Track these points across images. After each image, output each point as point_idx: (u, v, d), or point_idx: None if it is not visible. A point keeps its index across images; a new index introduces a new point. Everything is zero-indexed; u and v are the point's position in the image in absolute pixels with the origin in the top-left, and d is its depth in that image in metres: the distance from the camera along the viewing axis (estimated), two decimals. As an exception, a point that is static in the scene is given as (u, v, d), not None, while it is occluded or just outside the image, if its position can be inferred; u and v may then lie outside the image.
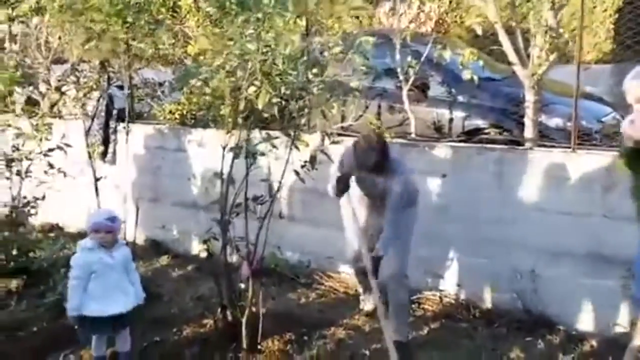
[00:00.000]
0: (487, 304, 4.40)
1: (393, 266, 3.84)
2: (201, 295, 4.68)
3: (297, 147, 3.86)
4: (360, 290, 4.49)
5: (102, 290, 3.34)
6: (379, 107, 5.68)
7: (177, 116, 6.10)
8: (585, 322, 4.05)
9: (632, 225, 3.60)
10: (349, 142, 4.23)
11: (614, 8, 10.27)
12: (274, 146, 3.69)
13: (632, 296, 3.48)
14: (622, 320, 3.91)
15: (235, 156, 3.64)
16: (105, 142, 6.14)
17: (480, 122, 5.28)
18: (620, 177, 3.82)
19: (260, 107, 3.44)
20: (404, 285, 3.91)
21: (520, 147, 4.41)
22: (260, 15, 3.38)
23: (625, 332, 3.87)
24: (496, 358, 3.72)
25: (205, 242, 3.89)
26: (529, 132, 4.47)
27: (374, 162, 3.65)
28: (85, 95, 5.81)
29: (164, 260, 5.67)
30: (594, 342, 3.91)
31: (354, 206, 4.05)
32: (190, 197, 5.83)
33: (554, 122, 5.00)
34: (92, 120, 6.06)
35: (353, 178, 4.03)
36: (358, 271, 4.30)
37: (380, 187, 3.79)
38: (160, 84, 7.06)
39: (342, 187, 4.01)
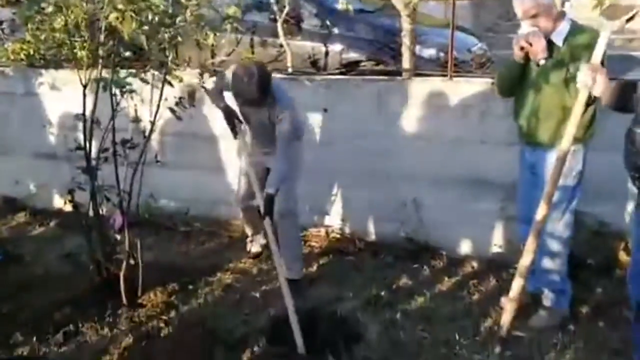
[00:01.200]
0: (373, 236, 4.42)
1: (282, 204, 3.69)
2: (69, 252, 4.24)
3: (170, 83, 3.51)
4: (248, 231, 4.31)
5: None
6: (252, 40, 5.39)
7: (23, 56, 5.38)
8: (466, 245, 4.20)
9: (507, 150, 3.73)
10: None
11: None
12: (144, 80, 3.32)
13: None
14: (499, 241, 4.09)
15: (100, 91, 3.20)
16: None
17: (357, 55, 5.20)
18: (494, 104, 3.92)
19: (125, 36, 3.03)
20: (294, 222, 3.80)
21: (399, 78, 4.38)
22: None
23: (502, 252, 4.08)
24: (385, 287, 3.74)
25: (69, 192, 3.46)
26: (406, 62, 4.44)
27: (255, 95, 3.35)
28: None
29: (22, 217, 5.10)
30: (474, 264, 4.06)
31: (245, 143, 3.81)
32: (46, 147, 5.23)
33: (428, 53, 5.05)
34: None
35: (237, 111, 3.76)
36: (246, 211, 4.10)
37: (265, 122, 3.56)
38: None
39: (228, 119, 3.75)
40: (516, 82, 3.15)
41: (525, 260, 2.77)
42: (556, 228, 3.17)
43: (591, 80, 2.65)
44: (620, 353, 3.00)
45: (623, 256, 3.79)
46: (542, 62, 2.98)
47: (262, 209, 3.48)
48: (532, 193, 3.23)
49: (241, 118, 3.77)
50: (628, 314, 3.30)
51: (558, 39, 2.98)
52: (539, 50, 2.94)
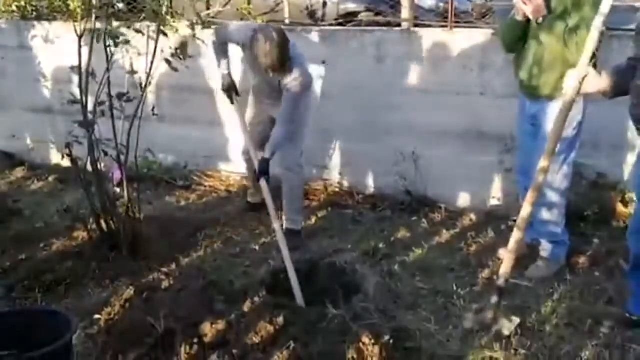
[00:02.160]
0: (371, 189, 4.43)
1: (288, 157, 3.71)
2: (68, 206, 4.23)
3: (164, 34, 3.44)
4: (249, 182, 4.30)
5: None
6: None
7: (14, 8, 5.28)
8: (465, 198, 4.21)
9: (506, 102, 3.70)
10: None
11: None
12: (138, 31, 3.25)
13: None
14: (497, 193, 4.10)
15: (95, 42, 3.13)
16: None
17: (355, 6, 5.09)
18: (494, 56, 3.87)
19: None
20: (300, 175, 3.80)
21: (398, 28, 4.30)
22: None
23: (500, 204, 4.09)
24: (383, 239, 3.77)
25: (67, 146, 3.43)
26: (406, 12, 4.35)
27: (277, 64, 3.27)
28: None
29: (20, 172, 5.09)
30: (472, 216, 4.08)
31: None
32: (42, 101, 5.19)
33: (428, 2, 4.95)
34: None
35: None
36: (249, 162, 4.10)
37: (276, 83, 3.51)
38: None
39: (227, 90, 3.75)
40: (518, 39, 3.12)
41: (525, 212, 2.77)
42: (554, 179, 3.17)
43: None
44: (616, 302, 3.03)
45: (620, 207, 3.81)
46: (540, 20, 2.96)
47: (257, 170, 3.50)
48: (531, 145, 3.22)
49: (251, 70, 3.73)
50: (623, 264, 3.36)
51: None
52: (535, 10, 2.92)
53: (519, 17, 3.04)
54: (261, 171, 3.51)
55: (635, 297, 2.85)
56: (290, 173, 3.75)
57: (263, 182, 3.50)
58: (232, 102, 3.84)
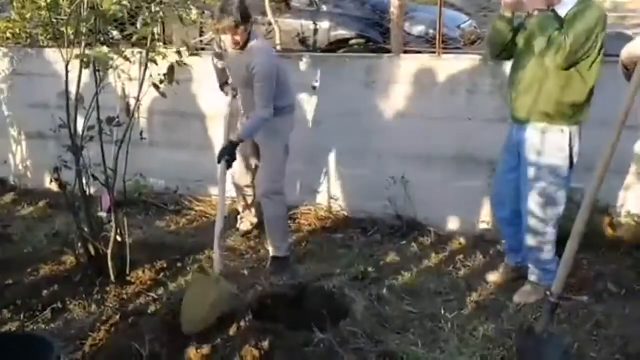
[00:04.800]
0: (361, 213, 4.43)
1: (267, 184, 3.70)
2: (57, 231, 4.24)
3: (154, 61, 3.48)
4: (240, 208, 4.31)
5: None
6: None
7: (9, 35, 5.34)
8: (454, 222, 4.22)
9: (494, 127, 3.74)
10: (209, 56, 3.92)
11: None
12: (127, 59, 3.29)
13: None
14: (486, 217, 4.11)
15: (84, 67, 3.16)
16: None
17: (345, 33, 5.17)
18: (482, 81, 3.92)
19: (104, 9, 2.99)
20: (280, 202, 3.75)
21: (388, 55, 4.36)
22: None
23: (489, 228, 4.09)
24: (372, 264, 3.76)
25: (55, 170, 3.44)
26: (395, 39, 4.41)
27: (234, 18, 3.35)
28: None
29: (10, 197, 5.08)
30: (462, 240, 4.08)
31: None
32: (34, 127, 5.21)
33: (417, 30, 5.03)
34: None
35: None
36: (239, 188, 4.16)
37: (244, 71, 3.53)
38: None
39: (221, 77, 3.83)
40: (502, 41, 3.13)
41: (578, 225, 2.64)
42: (543, 207, 3.14)
43: None
44: (603, 325, 3.02)
45: (609, 231, 3.81)
46: (507, 14, 2.99)
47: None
48: (509, 175, 3.24)
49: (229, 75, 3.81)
50: (612, 287, 3.36)
51: (562, 11, 2.93)
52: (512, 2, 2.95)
53: (506, 13, 3.03)
54: (222, 153, 3.49)
55: None
56: (269, 201, 3.71)
57: (221, 166, 3.49)
58: (222, 88, 3.88)
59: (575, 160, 3.10)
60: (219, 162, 3.51)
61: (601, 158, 2.56)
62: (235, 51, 3.56)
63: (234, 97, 3.84)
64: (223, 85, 3.93)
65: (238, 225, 4.32)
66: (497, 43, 3.18)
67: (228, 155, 3.49)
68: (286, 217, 3.92)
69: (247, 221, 4.29)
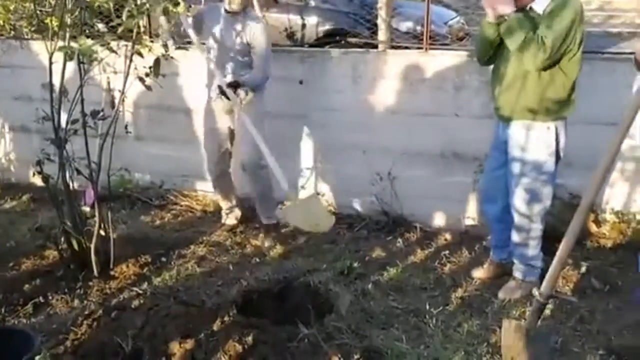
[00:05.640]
0: (348, 209, 4.42)
1: (250, 157, 3.82)
2: (40, 225, 4.18)
3: (139, 54, 3.44)
4: (223, 204, 4.31)
5: None
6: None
7: (-8, 27, 5.26)
8: (440, 218, 4.23)
9: (481, 123, 3.75)
10: (196, 50, 3.89)
11: None
12: (113, 51, 3.25)
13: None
14: (472, 213, 4.12)
15: (68, 59, 3.11)
16: None
17: (333, 28, 5.15)
18: (469, 77, 3.92)
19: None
20: (265, 173, 3.85)
21: (375, 50, 4.35)
22: None
23: (475, 224, 4.11)
24: (358, 259, 3.75)
25: (37, 163, 3.40)
26: (382, 34, 4.40)
27: None
28: None
29: (-7, 191, 5.03)
30: (447, 236, 4.09)
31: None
32: (18, 120, 5.15)
33: (405, 25, 5.02)
34: None
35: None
36: (218, 181, 4.17)
37: (242, 40, 3.72)
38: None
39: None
40: (489, 47, 3.12)
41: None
42: (529, 203, 3.15)
43: None
44: (587, 321, 3.04)
45: (593, 227, 3.84)
46: (489, 19, 2.99)
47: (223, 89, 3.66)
48: (498, 171, 3.24)
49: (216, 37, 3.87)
50: (595, 283, 3.38)
51: (538, 8, 2.93)
52: (491, 6, 2.94)
53: (489, 19, 3.03)
54: (230, 83, 3.68)
55: None
56: (256, 177, 3.88)
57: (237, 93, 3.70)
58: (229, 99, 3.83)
59: (561, 155, 3.11)
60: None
61: (603, 160, 2.49)
62: (229, 17, 3.76)
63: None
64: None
65: (223, 220, 4.30)
66: (484, 49, 3.17)
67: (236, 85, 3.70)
68: (272, 187, 3.98)
69: (232, 215, 4.28)
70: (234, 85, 3.69)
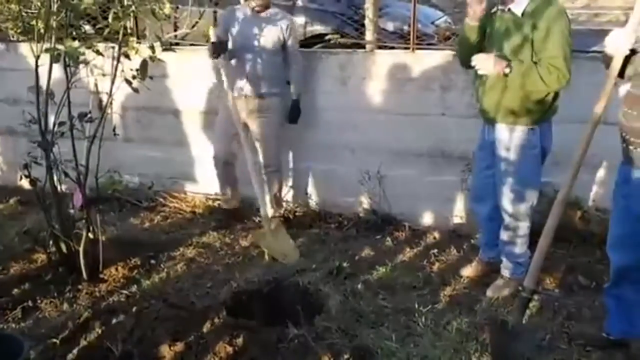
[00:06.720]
0: (337, 209, 4.44)
1: (272, 160, 4.16)
2: (28, 229, 4.15)
3: (127, 56, 3.43)
4: (222, 189, 4.34)
5: None
6: (215, 13, 5.30)
7: (-23, 29, 5.22)
8: (428, 217, 4.25)
9: (467, 122, 3.77)
10: (184, 52, 3.88)
11: None
12: (100, 53, 3.24)
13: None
14: (460, 212, 4.15)
15: (54, 62, 3.10)
16: None
17: (321, 28, 5.16)
18: (456, 76, 3.94)
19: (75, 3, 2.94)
20: (280, 174, 4.26)
21: (362, 50, 4.36)
22: None
23: (463, 223, 4.13)
24: (347, 258, 3.76)
25: (25, 166, 3.38)
26: (369, 34, 4.41)
27: None
28: None
29: (-20, 195, 4.99)
30: (436, 234, 4.11)
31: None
32: (4, 122, 5.12)
33: (391, 25, 5.03)
34: None
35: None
36: (224, 166, 4.20)
37: (276, 39, 3.87)
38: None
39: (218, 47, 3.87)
40: (472, 48, 3.13)
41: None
42: (516, 202, 3.17)
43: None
44: (574, 318, 3.07)
45: (580, 225, 3.87)
46: (470, 21, 3.05)
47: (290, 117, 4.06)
48: (487, 171, 3.27)
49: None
50: (582, 280, 3.42)
51: (517, 9, 2.97)
52: (471, 11, 3.00)
53: (470, 21, 3.06)
54: (294, 114, 4.04)
55: (612, 317, 2.78)
56: (273, 174, 4.19)
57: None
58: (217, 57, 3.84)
59: (547, 155, 3.14)
60: (295, 122, 4.06)
61: (576, 154, 2.58)
62: (255, 17, 3.88)
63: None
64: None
65: (222, 206, 4.42)
66: (467, 51, 3.15)
67: (298, 113, 4.04)
68: (283, 187, 4.37)
69: (233, 200, 4.36)
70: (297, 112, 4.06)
